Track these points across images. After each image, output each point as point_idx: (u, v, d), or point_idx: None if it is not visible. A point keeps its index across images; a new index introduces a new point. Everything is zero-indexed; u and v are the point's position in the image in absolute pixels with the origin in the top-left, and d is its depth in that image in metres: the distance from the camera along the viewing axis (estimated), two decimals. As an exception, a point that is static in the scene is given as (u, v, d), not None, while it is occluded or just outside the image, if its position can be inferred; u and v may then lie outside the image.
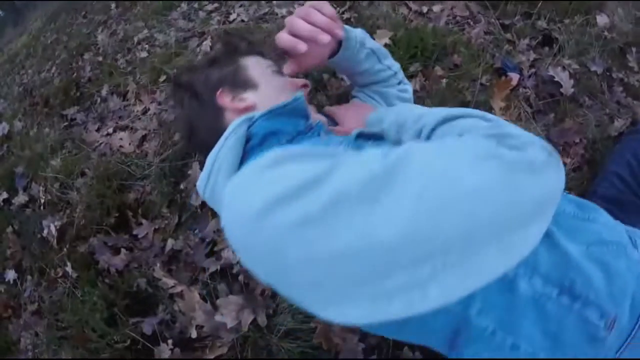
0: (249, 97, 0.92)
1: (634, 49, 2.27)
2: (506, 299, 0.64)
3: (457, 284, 0.49)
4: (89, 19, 4.05)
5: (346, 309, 0.51)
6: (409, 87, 1.28)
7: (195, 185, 1.44)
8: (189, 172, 1.53)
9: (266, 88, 0.94)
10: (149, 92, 2.17)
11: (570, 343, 0.65)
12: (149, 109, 2.05)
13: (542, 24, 2.33)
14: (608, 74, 2.09)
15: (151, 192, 1.58)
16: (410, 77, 1.83)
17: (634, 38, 2.37)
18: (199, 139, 0.98)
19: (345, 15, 2.22)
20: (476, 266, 0.49)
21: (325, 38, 0.82)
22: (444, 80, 1.85)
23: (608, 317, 0.66)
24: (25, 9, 10.70)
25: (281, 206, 0.51)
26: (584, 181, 1.60)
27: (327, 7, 0.85)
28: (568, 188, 1.56)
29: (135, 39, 2.85)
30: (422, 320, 0.63)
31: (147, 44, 2.72)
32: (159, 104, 2.04)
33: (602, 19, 2.53)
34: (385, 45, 1.91)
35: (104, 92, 2.47)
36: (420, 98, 1.75)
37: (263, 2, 2.54)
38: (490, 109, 1.75)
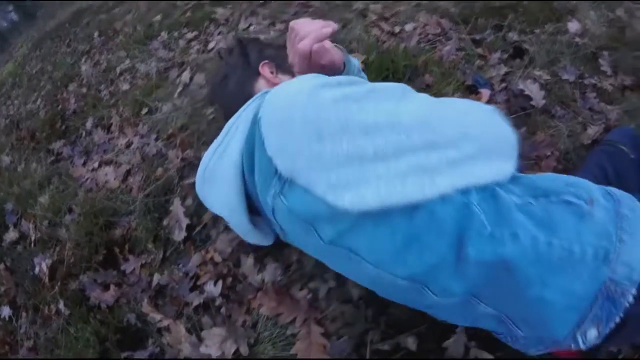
0: (284, 79, 1.01)
1: (606, 53, 2.30)
2: (495, 204, 0.74)
3: (458, 176, 0.71)
4: (73, 48, 4.13)
5: (364, 190, 0.67)
6: None
7: (176, 222, 1.52)
8: (171, 207, 1.61)
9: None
10: (132, 125, 2.24)
11: (563, 223, 0.74)
12: (132, 143, 2.12)
13: (513, 35, 2.39)
14: (580, 80, 2.10)
15: (136, 227, 1.65)
16: None
17: (607, 41, 2.40)
18: (227, 90, 1.11)
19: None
20: (471, 168, 0.73)
21: (329, 29, 0.89)
22: None
23: (585, 198, 0.77)
24: (9, 35, 10.78)
25: (328, 88, 0.72)
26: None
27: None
28: None
29: (118, 70, 2.92)
30: (431, 210, 0.70)
31: (129, 74, 2.79)
32: (142, 137, 2.11)
33: (573, 25, 2.59)
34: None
35: (88, 125, 2.53)
36: None
37: (240, 29, 2.63)
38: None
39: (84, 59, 3.62)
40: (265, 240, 0.97)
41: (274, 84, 1.00)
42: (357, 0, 2.77)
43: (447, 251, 0.72)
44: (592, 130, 1.85)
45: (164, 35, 3.04)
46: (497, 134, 0.80)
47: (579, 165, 1.61)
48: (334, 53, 0.96)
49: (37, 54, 5.04)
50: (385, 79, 2.00)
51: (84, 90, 3.00)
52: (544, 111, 1.94)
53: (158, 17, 3.40)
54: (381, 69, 2.02)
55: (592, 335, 0.77)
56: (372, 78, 1.96)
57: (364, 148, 0.68)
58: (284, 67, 1.06)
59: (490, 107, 0.85)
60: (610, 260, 0.73)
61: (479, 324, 0.88)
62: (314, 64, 0.90)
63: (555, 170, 1.72)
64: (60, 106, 2.99)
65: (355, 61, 1.15)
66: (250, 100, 0.87)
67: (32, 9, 12.99)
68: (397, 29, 2.42)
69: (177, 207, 1.55)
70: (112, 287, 1.51)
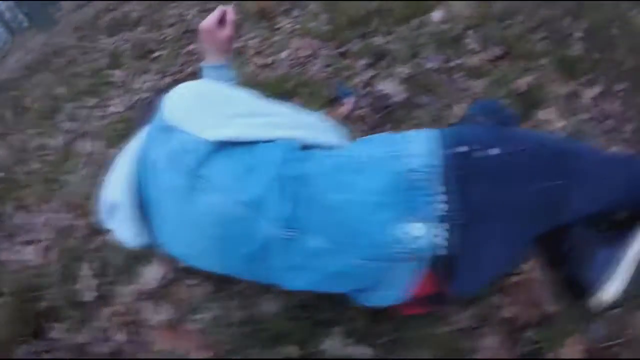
0: None
1: (471, 32, 2.56)
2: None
3: (286, 132, 1.07)
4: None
5: (224, 130, 1.02)
6: None
7: (87, 285, 1.75)
8: (81, 273, 1.83)
9: None
10: (46, 202, 2.44)
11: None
12: (48, 219, 2.33)
13: (378, 39, 2.67)
14: (446, 65, 2.35)
15: (58, 297, 1.86)
16: None
17: (474, 20, 2.68)
18: None
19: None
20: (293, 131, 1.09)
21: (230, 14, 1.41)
22: None
23: None
24: None
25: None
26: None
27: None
28: None
29: (30, 148, 3.10)
30: (265, 146, 1.03)
31: (40, 151, 2.97)
32: (56, 212, 2.31)
33: (437, 15, 2.85)
34: None
35: (8, 209, 2.70)
36: None
37: (136, 87, 2.87)
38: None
39: None
40: (138, 240, 1.18)
41: None
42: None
43: (275, 172, 0.97)
44: (458, 108, 2.07)
45: (68, 107, 3.24)
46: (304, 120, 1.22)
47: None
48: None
49: None
50: None
51: (2, 174, 3.15)
52: (408, 104, 2.15)
53: (63, 90, 3.59)
54: None
55: (419, 231, 0.90)
56: None
57: (233, 110, 1.09)
58: None
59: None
60: (401, 155, 0.96)
61: (322, 286, 1.06)
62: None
63: None
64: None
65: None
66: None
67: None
68: (269, 60, 2.67)
69: (85, 272, 1.77)
70: (43, 354, 1.72)
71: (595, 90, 2.13)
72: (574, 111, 2.03)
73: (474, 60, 2.37)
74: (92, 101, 3.12)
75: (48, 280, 1.94)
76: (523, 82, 2.12)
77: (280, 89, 2.32)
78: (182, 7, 4.67)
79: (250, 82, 2.46)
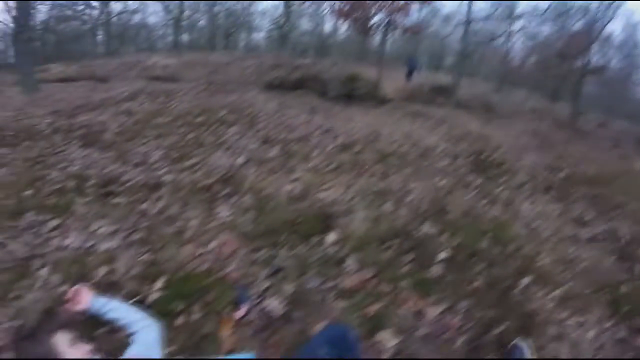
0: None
1: (354, 255, 3.70)
2: None
3: None
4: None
5: None
6: (151, 327, 2.21)
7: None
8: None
9: (67, 357, 1.83)
10: (2, 307, 3.19)
11: None
12: (2, 323, 3.08)
13: (283, 252, 3.82)
14: (323, 285, 3.43)
15: None
16: (176, 314, 3.12)
17: (360, 241, 3.85)
18: None
19: (144, 257, 3.64)
20: None
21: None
22: (199, 315, 3.16)
23: None
24: None
25: None
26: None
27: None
28: None
29: (-12, 242, 3.95)
30: None
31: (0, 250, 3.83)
32: (10, 319, 3.03)
33: (331, 236, 4.10)
34: (159, 289, 3.29)
35: None
36: (182, 331, 3.02)
37: (91, 232, 3.91)
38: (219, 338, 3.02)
39: None
40: None
41: None
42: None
43: None
44: (319, 326, 3.06)
45: (31, 215, 4.14)
46: None
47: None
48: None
49: None
50: (183, 297, 3.23)
51: None
52: (285, 317, 3.18)
53: (29, 192, 4.51)
54: (179, 289, 3.29)
55: None
56: (172, 295, 3.24)
57: None
58: (52, 354, 1.83)
59: None
60: None
61: None
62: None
63: None
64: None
65: (101, 303, 2.19)
66: None
67: None
68: (199, 251, 3.78)
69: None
70: None
71: (439, 309, 3.20)
72: (414, 328, 3.01)
73: (346, 282, 3.46)
74: (52, 222, 4.03)
75: None
76: (373, 308, 3.14)
77: (199, 284, 3.37)
78: (149, 147, 5.86)
79: (178, 272, 3.52)
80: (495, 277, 3.62)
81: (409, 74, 20.19)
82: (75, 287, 2.25)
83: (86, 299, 2.22)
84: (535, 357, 2.88)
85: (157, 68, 15.34)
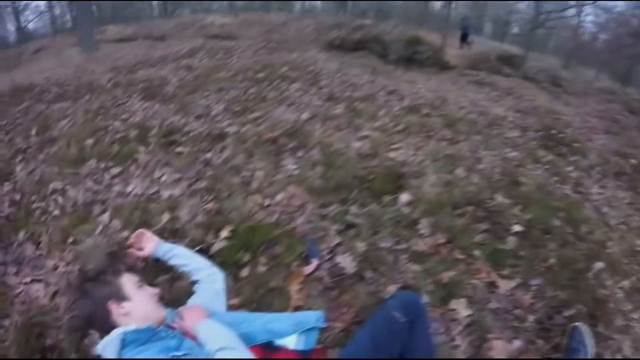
0: (126, 306, 1.69)
1: (427, 218, 3.44)
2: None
3: None
4: (11, 139, 5.02)
5: None
6: (216, 276, 2.17)
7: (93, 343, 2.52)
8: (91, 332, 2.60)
9: (135, 299, 1.72)
10: (60, 250, 3.20)
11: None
12: (58, 267, 3.08)
13: (353, 209, 3.59)
14: (395, 247, 3.19)
15: (63, 340, 2.58)
16: (242, 265, 2.97)
17: (434, 205, 3.59)
18: (96, 327, 1.83)
19: (209, 206, 3.47)
20: None
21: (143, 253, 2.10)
22: (265, 268, 2.97)
23: None
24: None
25: None
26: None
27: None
28: (339, 344, 2.40)
29: (50, 187, 3.85)
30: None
31: (60, 196, 3.74)
32: (67, 264, 3.08)
33: (405, 197, 3.81)
34: (225, 238, 3.11)
35: (20, 237, 3.36)
36: (248, 283, 2.85)
37: (154, 180, 3.75)
38: (287, 293, 2.81)
39: (19, 157, 4.50)
40: None
41: (122, 314, 1.69)
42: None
43: None
44: (392, 288, 2.82)
45: (92, 163, 4.08)
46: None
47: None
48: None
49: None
50: (249, 248, 3.05)
51: (18, 197, 3.82)
52: (357, 276, 2.95)
53: (90, 141, 4.45)
54: (245, 239, 3.10)
55: None
56: (238, 246, 3.06)
57: None
58: (120, 296, 1.71)
59: None
60: None
61: None
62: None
63: (353, 321, 2.65)
64: (-7, 213, 3.74)
65: (167, 247, 2.16)
66: (109, 339, 1.64)
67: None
68: (267, 202, 3.57)
69: (95, 336, 2.52)
70: (45, 383, 2.47)
71: (512, 283, 2.96)
72: (486, 300, 2.79)
73: (420, 245, 3.22)
74: (115, 170, 3.96)
75: (55, 323, 2.70)
76: (447, 275, 2.91)
77: (267, 236, 3.17)
78: (210, 100, 5.69)
79: (249, 218, 3.34)
80: (568, 258, 3.29)
81: (464, 38, 19.40)
82: (139, 231, 2.18)
83: (150, 244, 2.16)
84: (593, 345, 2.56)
85: (214, 27, 15.32)
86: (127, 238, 2.36)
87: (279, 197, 3.68)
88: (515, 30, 33.73)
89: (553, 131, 6.76)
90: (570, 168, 5.44)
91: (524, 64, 15.95)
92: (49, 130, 5.07)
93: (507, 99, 9.71)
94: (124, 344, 1.62)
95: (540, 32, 24.08)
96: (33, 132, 4.99)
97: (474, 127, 6.28)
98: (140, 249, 2.14)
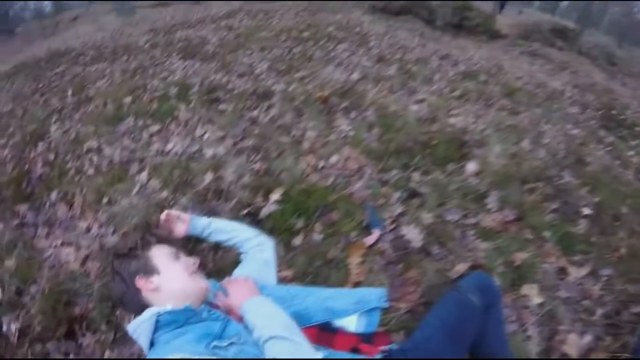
0: (155, 280, 1.57)
1: (495, 191, 3.10)
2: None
3: None
4: (46, 99, 4.81)
5: None
6: (265, 245, 1.97)
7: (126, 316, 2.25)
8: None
9: (166, 272, 1.58)
10: (93, 211, 2.94)
11: None
12: (91, 228, 2.82)
13: (415, 176, 3.24)
14: (463, 221, 2.86)
15: (93, 309, 2.35)
16: (295, 232, 2.67)
17: (501, 178, 3.24)
18: (127, 307, 1.68)
19: (256, 166, 3.14)
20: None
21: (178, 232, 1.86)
22: (321, 236, 2.65)
23: None
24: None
25: None
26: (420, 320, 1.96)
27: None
28: (404, 327, 2.16)
29: (85, 146, 3.62)
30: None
31: (95, 155, 3.49)
32: (101, 226, 2.82)
33: (472, 166, 3.43)
34: (276, 201, 2.79)
35: (53, 197, 3.15)
36: (302, 252, 2.55)
37: (196, 137, 3.43)
38: (346, 266, 2.51)
39: (55, 117, 4.31)
40: None
41: (151, 290, 1.52)
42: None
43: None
44: (461, 267, 2.49)
45: (130, 120, 3.80)
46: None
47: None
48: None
49: (9, 87, 5.67)
50: (301, 214, 2.75)
51: (52, 156, 3.61)
52: (423, 250, 2.63)
53: (128, 99, 4.17)
54: (298, 204, 2.78)
55: None
56: (290, 211, 2.75)
57: None
58: (148, 270, 1.54)
59: None
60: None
61: None
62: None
63: (419, 301, 2.35)
64: (27, 166, 3.58)
65: (205, 221, 1.94)
66: (141, 321, 1.44)
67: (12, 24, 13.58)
68: (321, 164, 3.23)
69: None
70: (72, 356, 2.21)
71: (583, 271, 2.65)
72: (556, 288, 2.50)
73: (488, 220, 2.89)
74: (153, 127, 3.67)
75: (85, 290, 2.44)
76: (519, 256, 2.60)
77: (322, 200, 2.85)
78: (253, 59, 5.34)
79: (301, 181, 3.02)
80: (637, 249, 2.92)
81: (501, 6, 18.57)
82: (165, 212, 1.92)
83: (181, 225, 1.93)
84: None
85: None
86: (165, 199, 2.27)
87: (333, 159, 3.35)
88: (565, 3, 32.08)
89: (613, 111, 6.34)
90: (632, 153, 5.01)
91: (579, 38, 15.07)
92: (85, 90, 4.87)
93: (563, 73, 9.22)
94: (158, 325, 1.42)
95: (594, 7, 22.71)
96: (69, 92, 4.79)
97: (533, 99, 5.92)
98: (171, 232, 1.88)
